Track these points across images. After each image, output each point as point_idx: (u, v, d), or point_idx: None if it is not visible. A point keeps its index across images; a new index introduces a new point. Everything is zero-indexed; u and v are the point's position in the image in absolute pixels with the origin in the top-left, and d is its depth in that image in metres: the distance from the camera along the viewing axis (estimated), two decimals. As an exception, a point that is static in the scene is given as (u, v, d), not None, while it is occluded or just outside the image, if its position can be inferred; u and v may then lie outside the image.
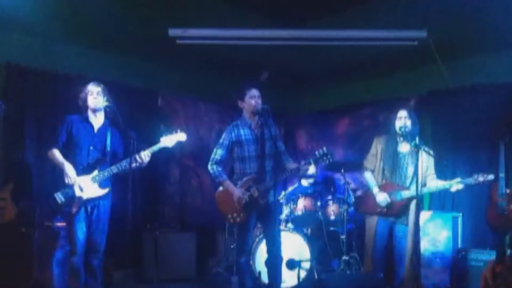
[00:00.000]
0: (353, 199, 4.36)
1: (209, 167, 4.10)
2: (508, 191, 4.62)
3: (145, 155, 3.86)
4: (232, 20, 4.60)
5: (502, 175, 4.62)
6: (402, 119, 4.19)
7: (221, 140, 4.12)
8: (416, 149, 3.85)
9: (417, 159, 3.91)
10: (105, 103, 3.86)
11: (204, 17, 4.61)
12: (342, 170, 5.47)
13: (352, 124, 6.74)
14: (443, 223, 5.11)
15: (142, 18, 4.72)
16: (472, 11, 4.34)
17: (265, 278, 4.73)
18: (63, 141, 3.92)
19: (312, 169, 5.75)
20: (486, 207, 4.89)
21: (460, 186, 4.09)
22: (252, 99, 3.99)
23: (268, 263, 4.04)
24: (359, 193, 4.41)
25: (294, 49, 5.08)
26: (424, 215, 5.20)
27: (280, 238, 4.04)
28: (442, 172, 5.49)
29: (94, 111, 3.96)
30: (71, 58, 5.28)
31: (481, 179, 4.00)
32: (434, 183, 4.21)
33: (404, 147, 4.26)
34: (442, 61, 4.80)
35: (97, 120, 3.99)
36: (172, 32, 4.38)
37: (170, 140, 4.01)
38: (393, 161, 4.22)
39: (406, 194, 4.11)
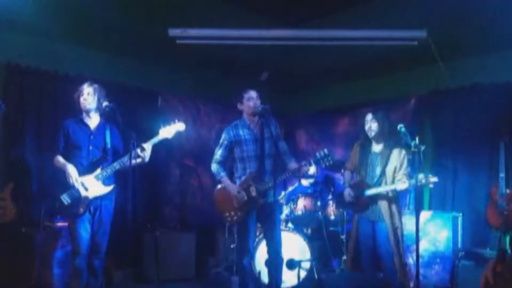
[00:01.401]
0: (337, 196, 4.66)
1: (211, 166, 4.16)
2: (508, 191, 4.62)
3: (146, 148, 3.84)
4: (232, 20, 4.60)
5: (502, 175, 4.62)
6: (368, 123, 4.25)
7: (220, 141, 4.17)
8: (417, 150, 3.84)
9: (418, 159, 3.90)
10: (105, 103, 3.86)
11: (204, 17, 4.61)
12: (342, 170, 5.46)
13: (352, 124, 6.74)
14: (443, 223, 5.10)
15: (142, 18, 4.72)
16: (472, 11, 4.34)
17: (265, 278, 4.73)
18: (62, 145, 3.94)
19: (312, 169, 5.76)
20: (486, 207, 4.89)
21: (405, 186, 4.02)
22: (250, 101, 4.03)
23: (268, 263, 4.04)
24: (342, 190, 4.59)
25: (294, 49, 5.08)
26: (424, 215, 5.20)
27: (280, 238, 4.04)
28: (442, 172, 5.51)
29: (87, 111, 3.95)
30: (71, 58, 5.28)
31: (423, 181, 3.92)
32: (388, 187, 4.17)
33: (376, 148, 4.30)
34: (442, 61, 4.80)
35: (93, 121, 3.99)
36: (172, 32, 4.37)
37: (169, 131, 4.01)
38: (365, 161, 4.29)
39: (371, 191, 4.17)
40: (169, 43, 4.44)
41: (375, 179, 4.21)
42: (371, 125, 4.22)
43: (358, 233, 4.31)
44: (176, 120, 4.07)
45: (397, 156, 4.17)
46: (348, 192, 4.32)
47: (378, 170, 4.22)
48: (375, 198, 4.18)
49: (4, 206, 4.31)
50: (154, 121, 5.78)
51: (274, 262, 3.98)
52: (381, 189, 4.14)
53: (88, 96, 3.91)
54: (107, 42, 5.36)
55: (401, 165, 4.16)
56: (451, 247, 5.02)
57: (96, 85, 3.96)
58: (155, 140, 3.95)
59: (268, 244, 4.03)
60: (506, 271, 3.21)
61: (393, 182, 4.14)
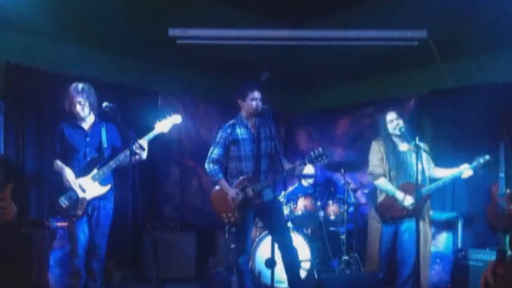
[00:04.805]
0: (375, 209, 4.37)
1: (206, 165, 4.10)
2: (508, 191, 4.62)
3: (142, 144, 3.76)
4: (232, 20, 4.60)
5: (502, 175, 4.62)
6: (394, 121, 4.19)
7: (217, 139, 4.11)
8: (417, 149, 3.84)
9: (418, 158, 3.90)
10: (105, 103, 3.83)
11: (204, 17, 4.61)
12: (342, 170, 5.47)
13: (352, 124, 6.74)
14: (443, 223, 5.10)
15: (142, 18, 4.72)
16: (472, 11, 4.35)
17: (265, 279, 4.73)
18: (58, 149, 3.93)
19: (310, 169, 5.75)
20: (486, 207, 4.89)
21: (470, 172, 4.15)
22: (253, 101, 3.99)
23: (284, 262, 3.96)
24: (380, 201, 4.30)
25: (294, 49, 5.08)
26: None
27: (289, 233, 4.04)
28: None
29: (82, 118, 3.94)
30: (71, 58, 5.28)
31: (482, 161, 4.13)
32: (445, 172, 4.22)
33: (403, 146, 4.27)
34: (442, 61, 4.81)
35: (87, 121, 3.96)
36: (172, 32, 4.38)
37: (165, 125, 3.96)
38: (396, 161, 4.21)
39: (425, 190, 4.10)
40: (169, 43, 4.44)
41: (420, 176, 4.04)
42: (398, 122, 4.16)
43: (383, 234, 4.23)
44: (172, 113, 4.01)
45: (424, 153, 4.15)
46: (412, 200, 4.06)
47: (419, 167, 4.08)
48: (427, 196, 4.15)
49: (4, 206, 4.30)
50: (154, 121, 5.82)
51: (290, 259, 3.92)
52: (444, 180, 4.13)
53: (79, 106, 3.87)
54: (107, 42, 5.36)
55: (428, 161, 4.20)
56: (451, 247, 5.02)
57: (85, 90, 3.87)
58: (150, 135, 3.90)
59: (278, 243, 3.88)
60: (506, 272, 3.20)
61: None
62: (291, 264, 3.97)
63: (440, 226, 5.11)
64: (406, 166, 4.21)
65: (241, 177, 4.00)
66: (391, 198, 4.19)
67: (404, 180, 4.17)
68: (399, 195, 4.12)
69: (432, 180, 4.24)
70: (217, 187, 4.10)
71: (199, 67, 6.21)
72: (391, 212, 4.20)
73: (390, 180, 4.22)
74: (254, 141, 4.02)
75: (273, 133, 3.96)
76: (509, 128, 4.80)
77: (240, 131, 4.05)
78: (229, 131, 4.06)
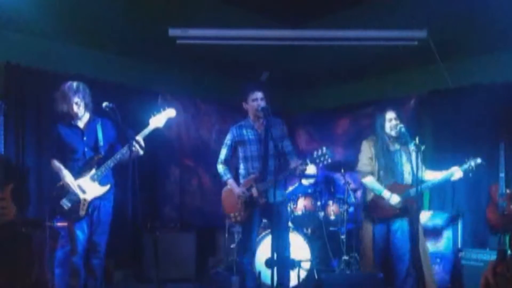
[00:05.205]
0: (364, 209, 4.39)
1: (217, 166, 4.22)
2: (508, 191, 4.63)
3: (138, 141, 3.71)
4: (232, 20, 4.60)
5: (502, 175, 4.63)
6: (393, 121, 4.19)
7: (225, 140, 4.22)
8: (417, 149, 3.84)
9: (417, 158, 3.91)
10: (105, 103, 3.82)
11: (204, 17, 4.61)
12: (342, 170, 5.48)
13: (352, 124, 6.75)
14: (443, 223, 5.11)
15: (143, 18, 4.72)
16: (472, 11, 4.34)
17: (265, 278, 4.73)
18: (57, 151, 3.92)
19: (312, 169, 5.75)
20: (486, 207, 4.89)
21: (461, 174, 4.10)
22: (255, 101, 4.02)
23: (271, 262, 3.99)
24: (368, 200, 4.32)
25: (294, 49, 5.08)
26: (424, 215, 5.20)
27: (288, 238, 4.05)
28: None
29: (79, 118, 3.94)
30: (71, 58, 5.27)
31: (473, 163, 4.09)
32: (434, 175, 4.21)
33: (394, 146, 4.27)
34: (442, 61, 4.80)
35: (83, 120, 3.96)
36: (172, 32, 4.38)
37: (159, 119, 3.91)
38: (385, 160, 4.21)
39: (414, 191, 4.07)
40: (169, 43, 4.44)
41: (408, 177, 4.14)
42: (397, 122, 4.16)
43: (373, 232, 4.25)
44: (166, 107, 3.97)
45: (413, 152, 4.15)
46: (398, 199, 4.10)
47: (408, 167, 4.17)
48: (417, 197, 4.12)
49: (4, 206, 4.31)
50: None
51: (278, 262, 3.95)
52: (433, 182, 4.13)
53: (76, 106, 3.86)
54: (107, 42, 5.36)
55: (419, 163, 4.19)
56: (451, 247, 5.02)
57: (80, 90, 3.86)
58: (146, 131, 3.87)
59: (272, 244, 3.98)
60: (506, 271, 3.20)
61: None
62: (278, 273, 3.95)
63: (440, 226, 5.11)
64: (395, 166, 4.22)
65: (248, 177, 4.06)
66: (378, 197, 4.21)
67: (393, 180, 4.18)
68: (386, 193, 4.15)
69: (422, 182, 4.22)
70: (228, 187, 4.17)
71: (199, 67, 6.21)
72: (378, 212, 4.22)
73: (379, 179, 4.23)
74: (261, 141, 4.04)
75: (278, 133, 4.00)
76: (509, 128, 4.81)
77: (246, 132, 4.12)
78: (235, 132, 4.14)
